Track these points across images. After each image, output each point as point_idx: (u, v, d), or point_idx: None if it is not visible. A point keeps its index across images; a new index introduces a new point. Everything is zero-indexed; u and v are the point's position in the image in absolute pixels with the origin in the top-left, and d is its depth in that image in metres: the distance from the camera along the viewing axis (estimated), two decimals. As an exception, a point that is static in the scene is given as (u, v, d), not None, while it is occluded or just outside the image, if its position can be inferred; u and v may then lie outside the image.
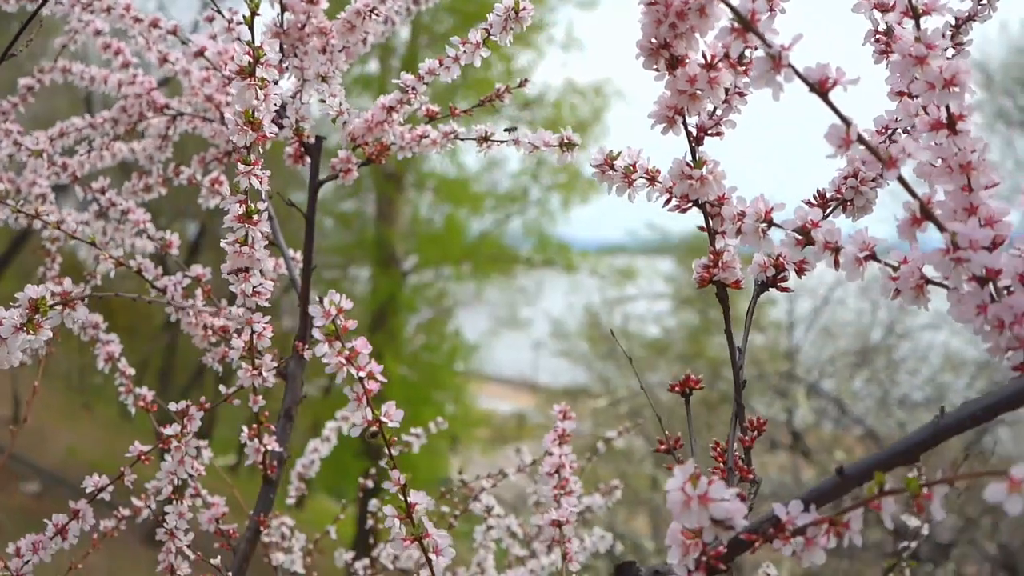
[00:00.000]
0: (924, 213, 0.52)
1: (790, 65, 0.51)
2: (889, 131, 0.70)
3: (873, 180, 0.68)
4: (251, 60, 0.71)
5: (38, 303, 0.67)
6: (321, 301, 0.62)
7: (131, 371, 1.11)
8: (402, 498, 0.66)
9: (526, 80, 1.02)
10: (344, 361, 0.62)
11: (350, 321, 0.63)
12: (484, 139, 0.96)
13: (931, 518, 0.47)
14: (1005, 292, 0.53)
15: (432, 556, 0.65)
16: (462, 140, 0.98)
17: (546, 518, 0.93)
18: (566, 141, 0.83)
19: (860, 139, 0.51)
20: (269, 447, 0.97)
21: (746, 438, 0.64)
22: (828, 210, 0.69)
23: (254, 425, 0.96)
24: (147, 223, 1.10)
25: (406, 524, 0.65)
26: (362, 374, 0.63)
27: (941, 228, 0.52)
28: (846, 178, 0.69)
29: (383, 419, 0.64)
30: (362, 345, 0.63)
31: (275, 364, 0.92)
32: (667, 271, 11.26)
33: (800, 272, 0.68)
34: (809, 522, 0.51)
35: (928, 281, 0.55)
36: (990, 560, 5.94)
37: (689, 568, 0.55)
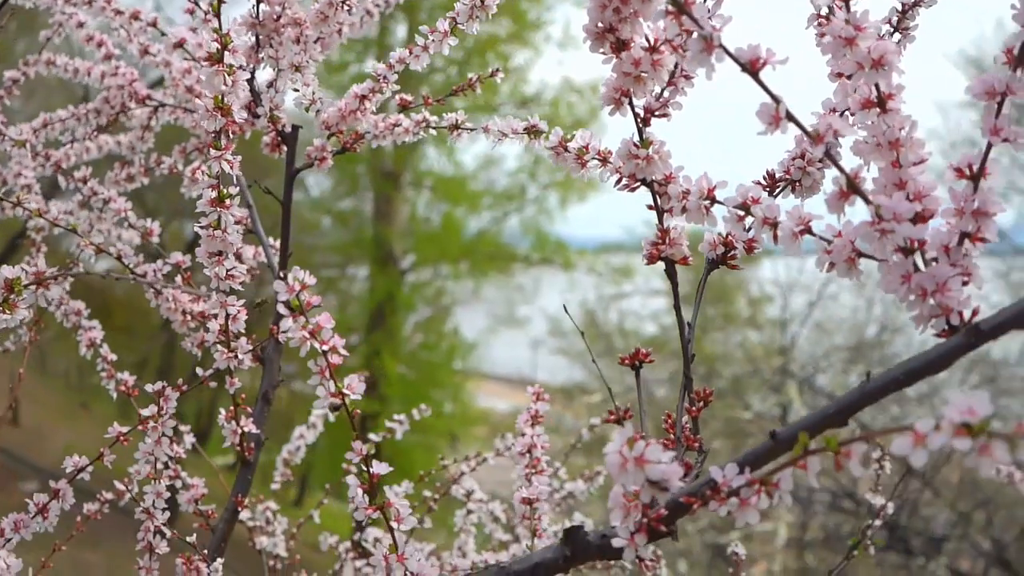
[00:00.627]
0: (851, 187, 0.55)
1: (721, 46, 0.53)
2: (836, 113, 0.72)
3: (820, 161, 0.71)
4: (219, 47, 0.73)
5: (13, 283, 0.69)
6: (285, 278, 0.64)
7: (112, 356, 1.13)
8: (364, 469, 0.68)
9: (498, 70, 1.04)
10: (308, 335, 0.65)
11: (314, 297, 0.66)
12: (455, 127, 0.99)
13: (853, 475, 0.49)
14: (933, 264, 0.55)
15: (394, 524, 0.68)
16: (434, 128, 1.01)
17: (517, 496, 0.96)
18: (532, 128, 0.85)
19: (789, 116, 0.54)
20: (246, 429, 1.00)
21: (693, 408, 0.67)
22: (777, 190, 0.72)
23: (231, 408, 0.99)
24: (128, 212, 1.13)
25: (368, 494, 0.68)
26: (325, 348, 0.65)
27: (867, 201, 0.54)
28: (794, 159, 0.71)
29: (345, 391, 0.66)
30: (325, 320, 0.66)
31: (250, 347, 0.94)
32: (663, 270, 11.28)
33: (749, 250, 0.70)
34: (743, 484, 0.54)
35: (860, 254, 0.57)
36: (984, 555, 5.97)
37: (631, 530, 0.57)
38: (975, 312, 0.53)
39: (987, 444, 0.40)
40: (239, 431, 0.99)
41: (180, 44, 1.08)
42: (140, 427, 0.94)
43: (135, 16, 1.12)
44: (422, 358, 11.28)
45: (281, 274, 0.63)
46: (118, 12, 1.13)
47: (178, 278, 1.07)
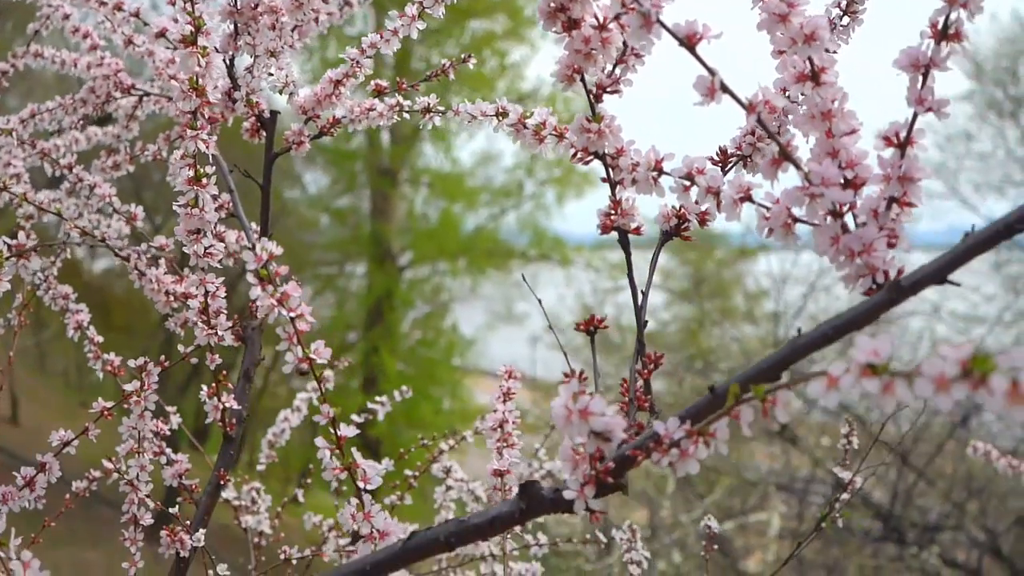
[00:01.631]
0: (783, 154, 0.58)
1: (659, 22, 0.56)
2: (786, 92, 0.75)
3: (768, 136, 0.74)
4: (193, 29, 0.76)
5: (-6, 256, 0.72)
6: (254, 248, 0.67)
7: (99, 339, 1.16)
8: (332, 431, 0.71)
9: (470, 56, 1.07)
10: (276, 303, 0.68)
11: (283, 267, 0.69)
12: (427, 110, 1.02)
13: (775, 422, 0.52)
14: (862, 227, 0.58)
15: (360, 484, 0.71)
16: (408, 112, 1.04)
17: (488, 468, 0.99)
18: (501, 111, 0.88)
19: (724, 88, 0.57)
20: (228, 405, 1.03)
21: (645, 371, 0.70)
22: (729, 165, 0.75)
23: (213, 384, 1.02)
24: (113, 197, 1.16)
25: (336, 455, 0.71)
26: (293, 315, 0.68)
27: (798, 167, 0.57)
28: (745, 135, 0.74)
29: (312, 356, 0.69)
30: (292, 288, 0.69)
31: (230, 324, 0.98)
32: (661, 264, 11.33)
33: (702, 223, 0.74)
34: (683, 435, 0.57)
35: (795, 219, 0.61)
36: (978, 545, 6.01)
37: (580, 482, 0.60)
38: (900, 272, 0.57)
39: (890, 382, 0.43)
40: (220, 407, 1.02)
41: (162, 33, 1.11)
42: (123, 403, 0.97)
43: (118, 7, 1.15)
44: (420, 355, 11.30)
45: (250, 244, 0.66)
46: (102, 3, 1.16)
47: (162, 261, 1.10)
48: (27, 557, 0.65)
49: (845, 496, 1.17)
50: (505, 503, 0.65)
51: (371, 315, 11.03)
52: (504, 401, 1.03)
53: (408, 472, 1.38)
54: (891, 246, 0.57)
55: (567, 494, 0.61)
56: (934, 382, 0.40)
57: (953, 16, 0.57)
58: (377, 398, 1.45)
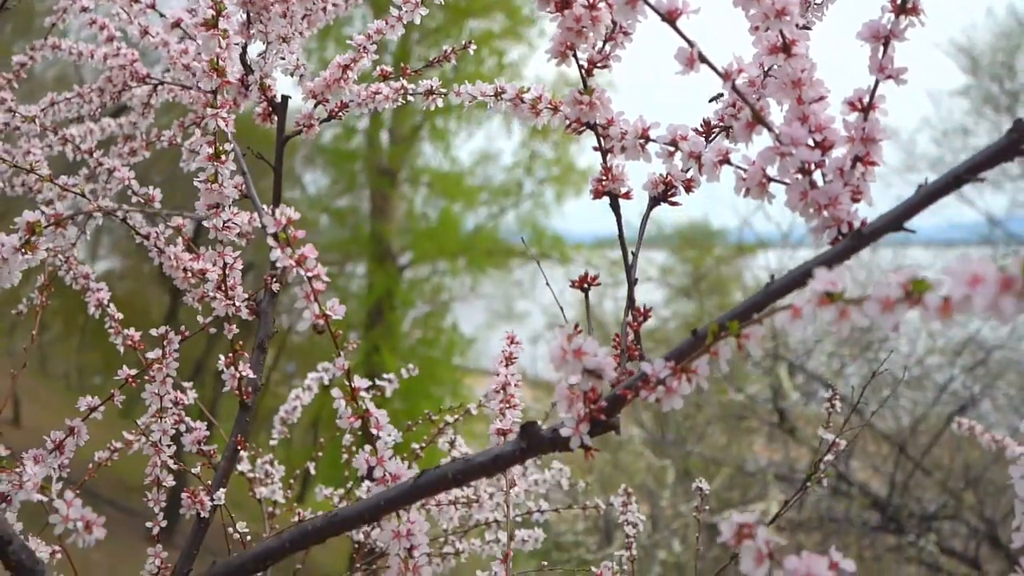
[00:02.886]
0: (756, 118, 0.64)
1: (645, 0, 0.62)
2: (766, 68, 0.81)
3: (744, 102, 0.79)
4: (214, 13, 0.82)
5: (34, 225, 0.78)
6: (272, 214, 0.73)
7: (120, 315, 1.22)
8: (347, 383, 0.77)
9: (470, 43, 1.13)
10: (294, 263, 0.74)
11: (300, 231, 0.75)
12: (430, 92, 1.07)
13: (749, 355, 0.57)
14: (828, 183, 0.64)
15: (374, 431, 0.77)
16: (411, 95, 1.09)
17: (492, 428, 1.05)
18: (499, 90, 0.94)
19: (702, 58, 0.63)
20: (244, 374, 1.09)
21: (635, 323, 0.76)
22: (712, 135, 0.81)
23: (230, 354, 1.08)
24: (131, 180, 1.21)
25: (351, 404, 0.77)
26: (310, 274, 0.74)
27: (770, 129, 0.63)
28: (727, 107, 0.80)
29: (329, 313, 0.75)
30: (309, 251, 0.75)
31: (246, 296, 1.04)
32: (662, 262, 11.39)
33: (688, 189, 0.79)
34: (668, 373, 0.62)
35: (769, 179, 0.66)
36: (975, 534, 6.07)
37: (576, 420, 0.66)
38: (863, 223, 0.62)
39: (844, 308, 0.49)
40: (237, 376, 1.08)
41: (177, 24, 1.17)
42: (147, 370, 1.03)
43: (135, -1, 1.21)
44: (421, 354, 11.35)
45: (268, 209, 0.72)
46: (119, -5, 1.22)
47: (179, 240, 1.16)
48: (69, 497, 0.70)
49: (829, 457, 1.22)
50: (507, 443, 0.70)
51: (371, 315, 11.08)
52: (506, 365, 1.09)
53: (415, 444, 1.44)
54: (855, 200, 0.63)
55: (564, 431, 0.66)
56: (880, 304, 0.46)
57: (911, -8, 0.63)
58: (384, 375, 1.51)
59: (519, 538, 1.31)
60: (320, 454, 1.60)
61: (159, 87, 1.31)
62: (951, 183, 0.57)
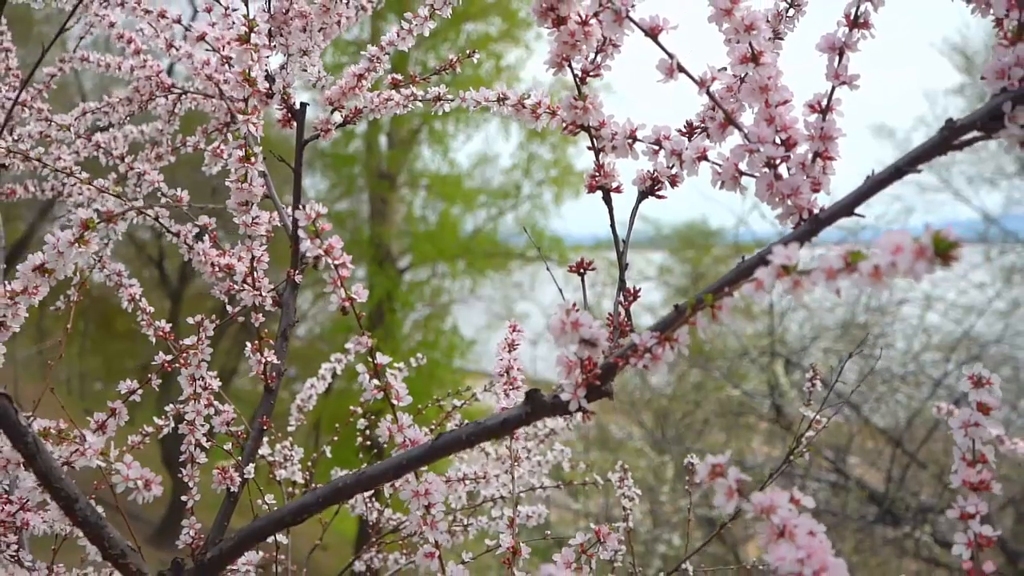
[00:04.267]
0: (728, 120, 0.73)
1: (628, 17, 0.71)
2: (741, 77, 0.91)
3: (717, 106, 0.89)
4: (247, 29, 0.91)
5: (88, 222, 0.87)
6: (304, 208, 0.82)
7: (151, 309, 1.31)
8: (371, 359, 0.86)
9: (474, 51, 1.23)
10: (323, 252, 0.83)
11: (327, 224, 0.84)
12: (437, 99, 1.17)
13: (722, 322, 0.67)
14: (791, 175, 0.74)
15: (394, 402, 0.86)
16: (420, 101, 1.19)
17: (496, 407, 1.14)
18: (502, 95, 1.03)
19: (680, 68, 0.72)
20: (269, 360, 1.18)
21: (626, 302, 0.85)
22: (694, 135, 0.90)
23: (256, 341, 1.17)
24: (160, 183, 1.31)
25: (373, 377, 0.86)
26: (337, 262, 0.84)
27: (740, 129, 0.73)
28: (707, 110, 0.90)
29: (354, 296, 0.84)
30: (336, 241, 0.84)
31: (272, 287, 1.13)
32: (660, 262, 11.49)
33: (673, 183, 0.89)
34: (654, 342, 0.72)
35: (741, 172, 0.76)
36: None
37: (574, 386, 0.75)
38: (822, 210, 0.72)
39: (797, 278, 0.58)
40: (264, 361, 1.18)
41: (202, 37, 1.26)
42: (182, 355, 1.12)
43: (162, 14, 1.31)
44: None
45: (301, 204, 0.82)
46: (147, 11, 1.31)
47: (206, 237, 1.25)
48: (128, 460, 0.80)
49: (810, 433, 1.31)
50: (514, 407, 0.80)
51: (372, 318, 11.16)
52: (510, 351, 1.18)
53: (424, 429, 1.53)
54: (815, 190, 0.73)
55: (563, 396, 0.76)
56: (825, 273, 0.55)
57: (862, 8, 0.73)
58: (395, 364, 1.60)
59: (523, 513, 1.40)
60: (336, 438, 1.70)
61: (183, 96, 1.40)
62: (894, 174, 0.67)
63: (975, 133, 0.66)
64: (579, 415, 0.77)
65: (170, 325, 1.28)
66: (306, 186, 11.84)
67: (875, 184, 0.68)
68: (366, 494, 1.59)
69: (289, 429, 1.61)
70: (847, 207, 0.69)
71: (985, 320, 8.04)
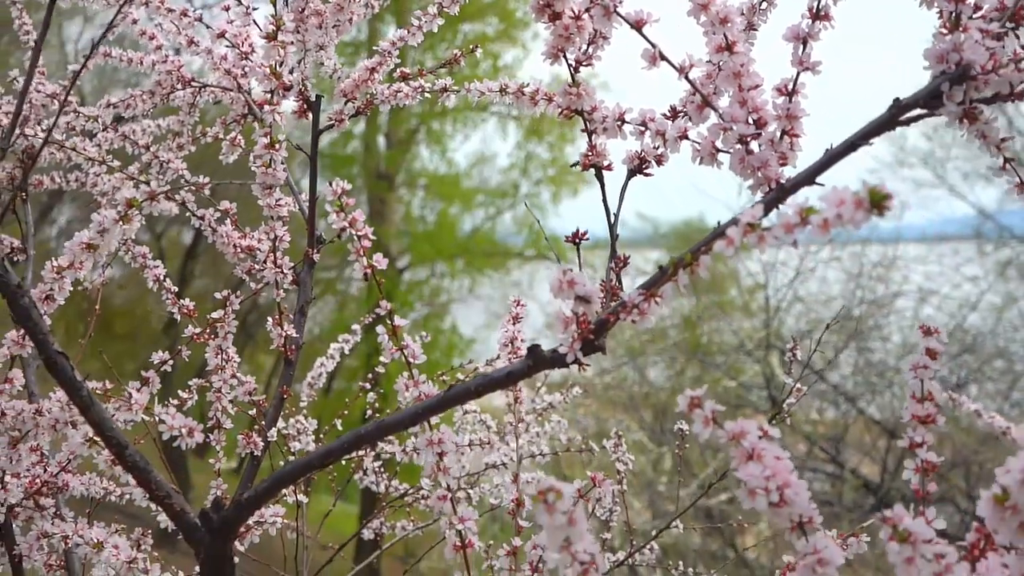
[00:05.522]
0: (704, 102, 0.83)
1: (616, 12, 0.81)
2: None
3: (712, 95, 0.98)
4: (274, 27, 1.01)
5: (132, 201, 0.97)
6: (331, 184, 0.92)
7: (175, 288, 1.41)
8: (389, 322, 0.96)
9: (476, 46, 1.32)
10: (347, 225, 0.93)
11: (351, 199, 0.94)
12: (444, 90, 1.27)
13: (700, 276, 0.76)
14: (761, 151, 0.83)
15: (411, 360, 0.96)
16: (427, 93, 1.28)
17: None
18: (503, 87, 1.13)
19: (662, 56, 0.82)
20: (289, 333, 1.28)
21: (616, 268, 0.95)
22: (677, 118, 0.99)
23: (277, 315, 1.27)
24: (184, 171, 1.40)
25: (392, 338, 0.95)
26: (360, 234, 0.93)
27: (715, 110, 0.82)
28: (688, 95, 0.99)
29: (375, 264, 0.94)
30: (359, 215, 0.94)
31: (292, 265, 1.22)
32: (657, 259, 11.60)
33: (659, 162, 0.98)
34: (641, 299, 0.81)
35: (717, 149, 0.86)
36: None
37: (570, 340, 0.84)
38: (788, 180, 0.81)
39: (762, 234, 0.67)
40: (284, 334, 1.27)
41: (222, 35, 1.36)
42: (212, 327, 1.22)
43: (184, 13, 1.40)
44: (420, 355, 11.47)
45: (329, 183, 0.91)
46: (170, 10, 1.41)
47: (227, 221, 1.35)
48: (172, 411, 0.89)
49: (791, 400, 1.41)
50: (518, 361, 0.89)
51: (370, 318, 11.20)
52: (514, 323, 1.28)
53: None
54: (782, 164, 0.82)
55: (561, 349, 0.85)
56: (784, 228, 0.65)
57: (823, 3, 0.82)
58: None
59: (523, 479, 1.50)
60: (347, 412, 1.79)
61: (202, 89, 1.50)
62: (849, 147, 0.77)
63: (919, 111, 0.76)
64: (575, 367, 0.87)
65: (193, 304, 1.37)
66: (303, 187, 11.92)
67: (832, 156, 0.77)
68: (376, 463, 1.69)
69: (301, 405, 1.71)
70: (808, 178, 0.78)
71: (979, 314, 8.16)
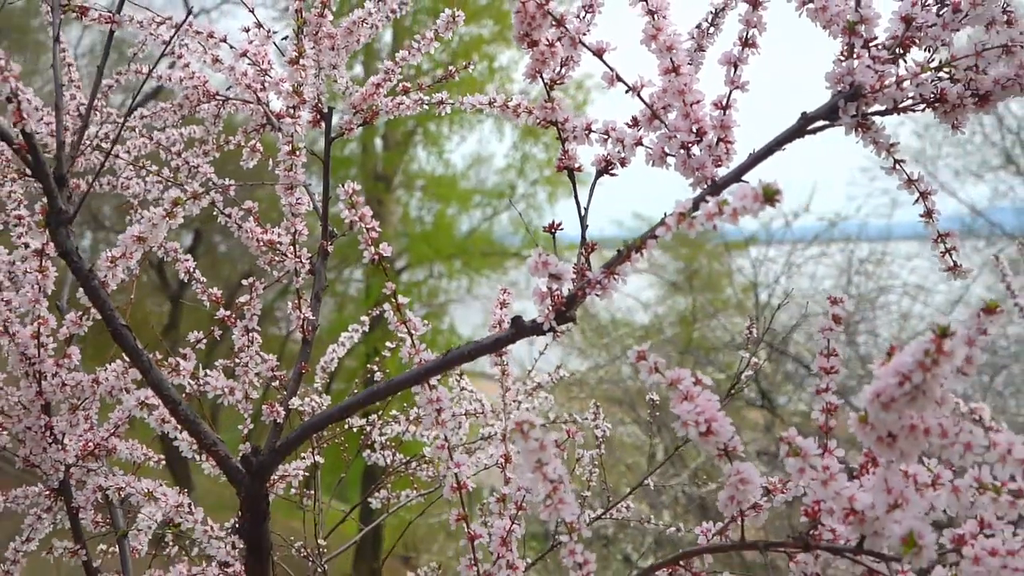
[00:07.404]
0: (653, 115, 1.01)
1: (581, 42, 0.99)
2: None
3: (663, 109, 1.17)
4: (298, 53, 1.19)
5: (177, 200, 1.15)
6: (343, 185, 1.10)
7: (204, 280, 1.59)
8: (394, 300, 1.14)
9: (470, 62, 1.51)
10: (357, 219, 1.11)
11: (360, 197, 1.12)
12: (441, 103, 1.45)
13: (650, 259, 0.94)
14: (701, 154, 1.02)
15: (412, 332, 1.14)
16: (427, 106, 1.47)
17: (491, 359, 1.42)
18: (492, 100, 1.31)
19: (618, 78, 1.00)
20: (307, 316, 1.46)
21: (586, 251, 1.13)
22: (636, 127, 1.18)
23: (295, 300, 1.45)
24: (211, 174, 1.58)
25: (396, 313, 1.14)
26: (368, 226, 1.11)
27: (662, 121, 1.01)
28: (643, 110, 1.17)
29: (381, 252, 1.12)
30: (368, 210, 1.12)
31: (309, 255, 1.41)
32: (654, 257, 11.78)
33: (623, 164, 1.17)
34: (603, 276, 0.99)
35: (666, 153, 1.04)
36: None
37: (546, 311, 1.02)
38: (720, 179, 1.00)
39: (691, 221, 0.86)
40: (302, 317, 1.45)
41: (244, 54, 1.54)
42: (237, 312, 1.40)
43: (211, 34, 1.58)
44: (419, 355, 11.62)
45: (342, 184, 1.09)
46: (197, 32, 1.59)
47: (251, 218, 1.53)
48: (216, 375, 1.07)
49: (748, 372, 1.59)
50: (502, 331, 1.07)
51: (370, 319, 11.36)
52: (501, 308, 1.46)
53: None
54: (718, 165, 1.01)
55: (538, 318, 1.03)
56: (706, 215, 0.83)
57: (750, 32, 1.01)
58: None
59: (513, 450, 1.68)
60: (356, 391, 1.96)
61: (226, 102, 1.68)
62: (765, 153, 0.95)
63: (823, 122, 0.94)
64: (551, 334, 1.05)
65: (220, 292, 1.55)
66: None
67: (752, 160, 0.96)
68: (384, 437, 1.87)
69: (315, 386, 1.89)
70: (735, 176, 0.97)
71: (967, 308, 8.34)
